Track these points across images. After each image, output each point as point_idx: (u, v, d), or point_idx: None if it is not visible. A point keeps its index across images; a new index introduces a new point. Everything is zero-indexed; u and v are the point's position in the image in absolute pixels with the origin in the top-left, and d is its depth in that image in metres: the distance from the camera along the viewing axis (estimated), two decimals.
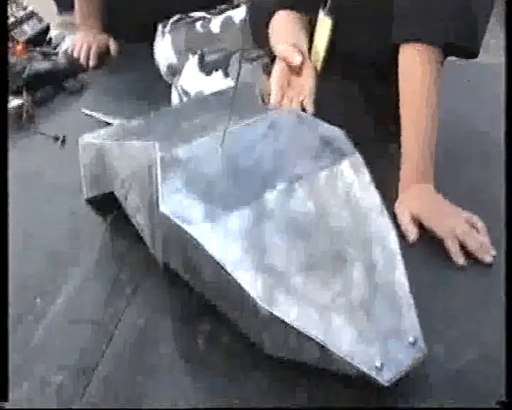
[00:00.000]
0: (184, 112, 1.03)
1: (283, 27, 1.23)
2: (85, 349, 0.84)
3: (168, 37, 1.53)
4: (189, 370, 0.83)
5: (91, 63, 1.63)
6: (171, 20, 1.56)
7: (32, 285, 0.93)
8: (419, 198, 1.07)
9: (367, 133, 1.25)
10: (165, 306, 0.92)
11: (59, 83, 1.49)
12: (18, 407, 0.76)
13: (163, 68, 1.53)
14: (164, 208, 0.81)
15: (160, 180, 0.82)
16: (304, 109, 1.07)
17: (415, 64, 1.09)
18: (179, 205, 0.81)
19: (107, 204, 1.02)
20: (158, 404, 0.77)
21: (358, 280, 0.81)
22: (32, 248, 1.01)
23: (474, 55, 1.12)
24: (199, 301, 0.88)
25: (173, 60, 1.50)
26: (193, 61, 1.39)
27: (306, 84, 1.11)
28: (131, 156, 0.91)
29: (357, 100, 1.27)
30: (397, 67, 1.11)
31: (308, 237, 0.83)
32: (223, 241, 0.80)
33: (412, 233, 1.02)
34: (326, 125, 0.95)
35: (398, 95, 1.11)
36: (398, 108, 1.11)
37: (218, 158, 0.87)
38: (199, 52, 1.39)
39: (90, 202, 1.05)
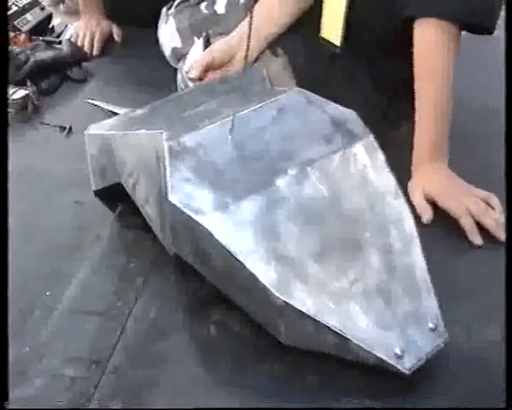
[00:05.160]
0: (190, 99, 1.01)
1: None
2: (97, 342, 0.83)
3: (172, 20, 1.49)
4: (202, 359, 0.82)
5: (95, 51, 1.61)
6: (175, 3, 1.52)
7: (40, 278, 0.92)
8: (433, 177, 1.05)
9: (376, 112, 1.23)
10: (176, 296, 0.91)
11: (63, 72, 1.46)
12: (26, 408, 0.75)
13: (167, 52, 1.50)
14: (173, 198, 0.79)
15: (168, 170, 0.80)
16: None
17: (432, 39, 1.06)
18: (188, 195, 0.80)
19: (115, 196, 1.01)
20: (171, 394, 0.76)
21: (375, 265, 0.79)
22: (39, 240, 0.99)
23: (490, 31, 1.09)
24: (210, 290, 0.86)
25: (178, 43, 1.46)
26: (198, 44, 1.36)
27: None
28: (138, 146, 0.89)
29: (365, 79, 1.25)
30: (407, 43, 1.08)
31: (322, 223, 0.81)
32: (234, 230, 0.78)
33: (427, 213, 1.01)
34: (337, 106, 0.93)
35: (408, 72, 1.08)
36: (408, 85, 1.09)
37: (227, 145, 0.85)
38: (204, 34, 1.36)
39: (98, 194, 1.03)
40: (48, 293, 0.89)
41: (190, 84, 1.19)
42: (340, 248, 0.80)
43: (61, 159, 1.18)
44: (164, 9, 1.52)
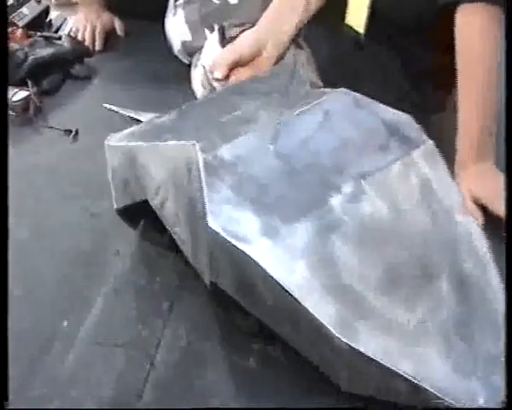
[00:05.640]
0: (222, 102, 0.89)
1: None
2: (124, 379, 0.73)
3: (181, 11, 1.40)
4: (242, 394, 0.74)
5: (97, 46, 1.51)
6: None
7: (56, 304, 0.83)
8: (481, 178, 0.98)
9: (405, 103, 1.16)
10: (209, 322, 0.81)
11: (65, 70, 1.36)
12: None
13: (177, 47, 1.41)
14: (212, 224, 0.68)
15: (205, 190, 0.69)
16: None
17: (477, 27, 0.98)
18: (230, 218, 0.69)
19: (139, 212, 0.91)
20: None
21: (449, 297, 0.69)
22: (50, 256, 0.90)
23: None
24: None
25: (187, 37, 1.38)
26: (213, 37, 1.26)
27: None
28: (167, 159, 0.77)
29: (393, 68, 1.18)
30: (439, 30, 1.02)
31: (385, 248, 0.70)
32: (285, 260, 0.67)
33: (476, 218, 0.91)
34: (388, 109, 0.82)
35: (439, 60, 1.04)
36: (439, 74, 1.05)
37: (270, 156, 0.74)
38: (217, 27, 1.26)
39: (121, 211, 0.93)
40: (65, 323, 0.80)
41: (216, 84, 1.09)
42: (407, 276, 0.69)
43: (69, 165, 1.09)
44: (171, 0, 1.44)
